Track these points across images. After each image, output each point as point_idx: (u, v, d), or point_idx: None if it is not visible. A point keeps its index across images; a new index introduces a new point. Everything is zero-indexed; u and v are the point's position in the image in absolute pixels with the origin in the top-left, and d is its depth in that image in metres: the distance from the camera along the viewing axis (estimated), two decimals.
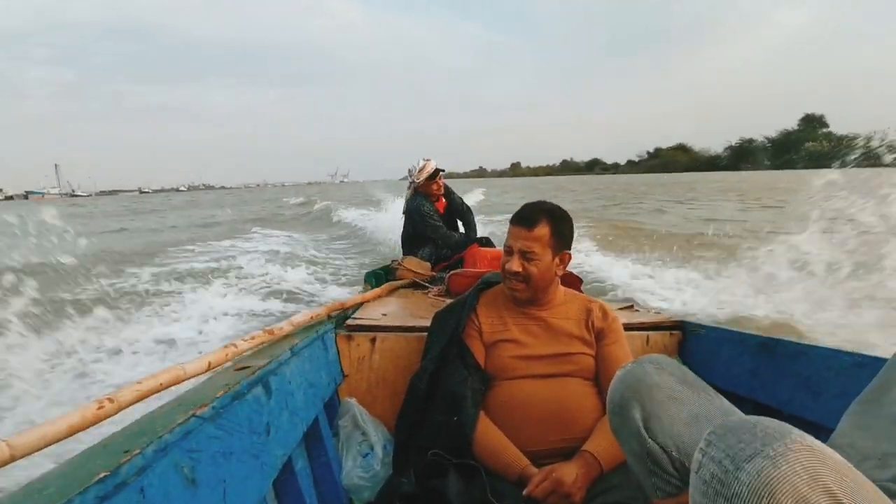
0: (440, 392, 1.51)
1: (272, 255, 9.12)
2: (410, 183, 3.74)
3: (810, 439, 0.57)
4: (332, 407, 1.65)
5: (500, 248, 3.16)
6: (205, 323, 4.66)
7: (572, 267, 1.80)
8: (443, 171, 3.73)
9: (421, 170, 3.65)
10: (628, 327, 1.89)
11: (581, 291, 2.48)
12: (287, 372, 1.26)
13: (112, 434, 0.76)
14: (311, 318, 1.64)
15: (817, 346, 1.46)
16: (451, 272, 2.79)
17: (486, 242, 3.64)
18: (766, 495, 0.53)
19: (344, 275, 7.20)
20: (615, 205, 19.86)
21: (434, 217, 3.65)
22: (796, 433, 0.57)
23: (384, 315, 2.02)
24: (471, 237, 3.74)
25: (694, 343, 1.87)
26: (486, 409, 1.46)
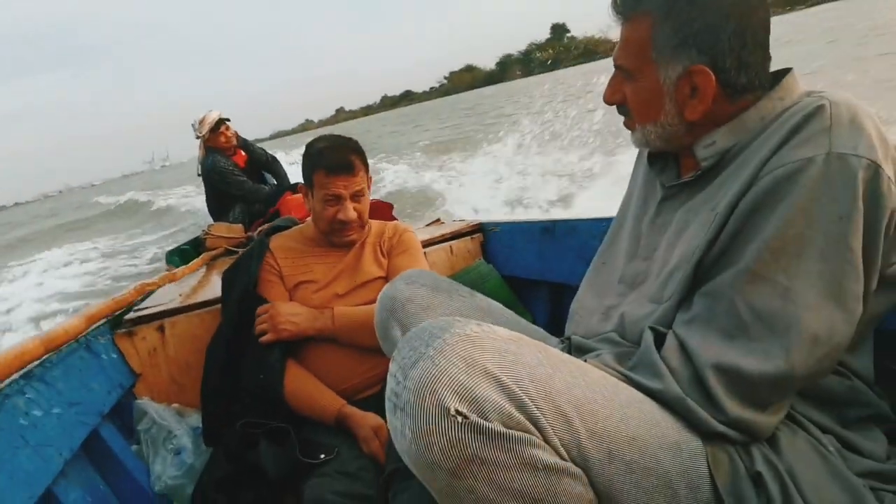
0: (246, 354, 1.41)
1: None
2: (198, 139, 3.37)
3: (473, 327, 0.58)
4: (126, 415, 1.47)
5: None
6: None
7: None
8: (228, 119, 3.40)
9: (202, 121, 3.30)
10: (432, 242, 1.91)
11: (393, 217, 2.46)
12: (19, 404, 1.06)
13: None
14: (72, 327, 1.39)
15: (584, 219, 1.59)
16: (260, 229, 2.60)
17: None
18: (429, 394, 0.54)
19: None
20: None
21: (235, 172, 3.35)
22: (458, 325, 0.58)
23: (180, 296, 1.82)
24: (283, 186, 3.51)
25: (493, 241, 1.95)
26: (295, 358, 1.41)
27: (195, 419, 1.51)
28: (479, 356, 0.55)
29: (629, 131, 0.88)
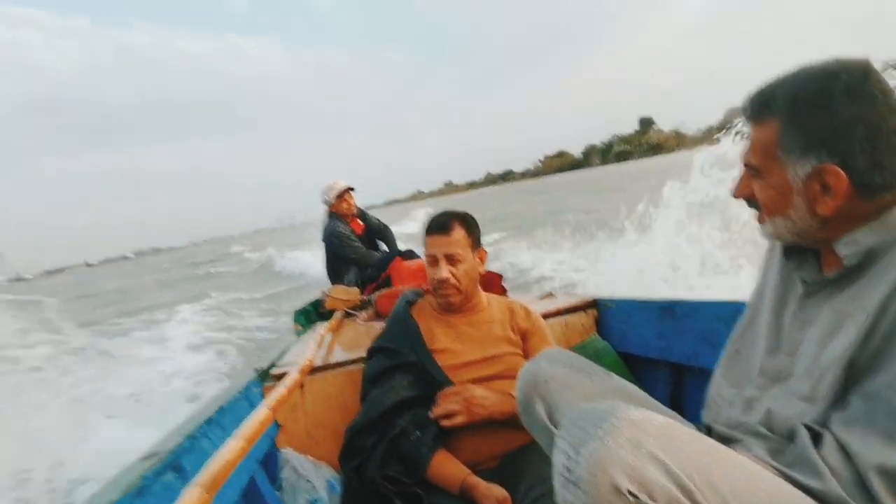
0: (403, 409, 1.47)
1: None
2: (325, 204, 3.75)
3: (635, 412, 0.64)
4: (272, 461, 1.63)
5: (423, 258, 3.19)
6: None
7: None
8: (352, 189, 3.77)
9: (331, 188, 3.71)
10: (547, 315, 1.98)
11: (503, 286, 2.56)
12: (204, 445, 1.23)
13: None
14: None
15: (708, 301, 1.59)
16: (377, 294, 2.80)
17: (410, 255, 3.67)
18: (600, 473, 0.60)
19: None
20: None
21: (352, 238, 3.68)
22: (621, 410, 0.64)
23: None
24: (393, 252, 3.76)
25: (608, 317, 1.98)
26: None
27: (327, 471, 1.64)
28: (644, 440, 0.61)
29: (760, 224, 0.92)
